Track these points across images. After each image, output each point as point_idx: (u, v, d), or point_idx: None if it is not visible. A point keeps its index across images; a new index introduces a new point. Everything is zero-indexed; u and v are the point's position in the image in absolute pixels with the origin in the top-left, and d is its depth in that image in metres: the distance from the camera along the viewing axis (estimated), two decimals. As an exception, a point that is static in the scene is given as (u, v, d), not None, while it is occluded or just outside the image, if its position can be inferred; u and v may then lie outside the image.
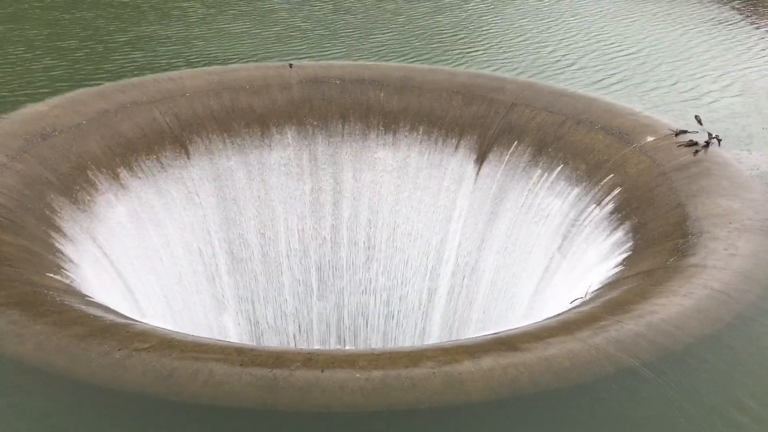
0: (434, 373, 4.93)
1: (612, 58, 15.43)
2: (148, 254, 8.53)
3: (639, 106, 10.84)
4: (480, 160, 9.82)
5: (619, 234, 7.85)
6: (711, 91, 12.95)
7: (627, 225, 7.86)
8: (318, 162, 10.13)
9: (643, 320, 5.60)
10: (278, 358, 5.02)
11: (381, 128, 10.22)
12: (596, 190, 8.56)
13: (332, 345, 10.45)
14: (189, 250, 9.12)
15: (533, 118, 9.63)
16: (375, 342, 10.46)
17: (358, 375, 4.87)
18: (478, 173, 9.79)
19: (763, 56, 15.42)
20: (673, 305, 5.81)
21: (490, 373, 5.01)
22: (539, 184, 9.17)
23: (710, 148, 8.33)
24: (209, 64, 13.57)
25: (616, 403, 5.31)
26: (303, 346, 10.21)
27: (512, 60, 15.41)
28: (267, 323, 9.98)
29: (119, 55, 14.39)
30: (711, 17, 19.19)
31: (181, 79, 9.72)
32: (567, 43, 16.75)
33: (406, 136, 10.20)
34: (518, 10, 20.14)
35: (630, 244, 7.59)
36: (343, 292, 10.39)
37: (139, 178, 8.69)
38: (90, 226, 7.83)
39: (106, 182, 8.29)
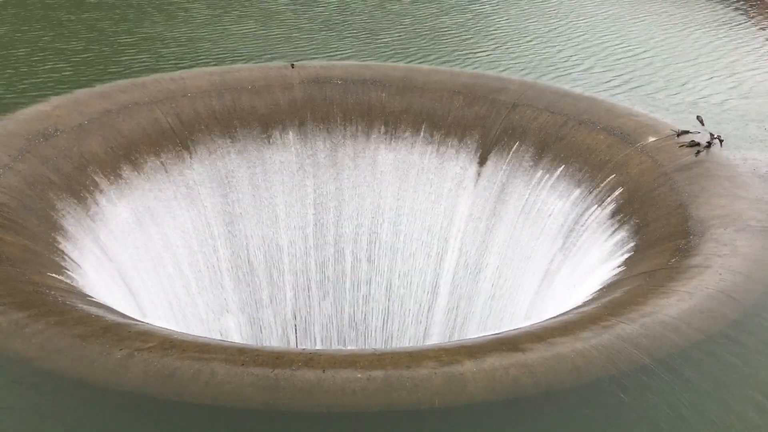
0: (436, 373, 4.93)
1: (618, 59, 15.43)
2: (149, 254, 8.54)
3: (646, 107, 10.85)
4: (482, 160, 9.82)
5: (621, 234, 7.85)
6: (717, 93, 12.93)
7: (629, 225, 7.86)
8: (319, 162, 10.13)
9: (645, 321, 5.60)
10: (280, 358, 5.02)
11: (383, 128, 10.22)
12: (598, 190, 8.55)
13: (333, 345, 10.46)
14: (190, 250, 9.12)
15: (535, 118, 9.63)
16: (376, 342, 10.46)
17: (359, 375, 4.87)
18: (479, 173, 9.79)
19: (768, 57, 15.45)
20: (675, 306, 5.81)
21: (491, 373, 5.01)
22: (541, 185, 9.16)
23: (712, 148, 8.32)
24: (217, 65, 13.52)
25: (618, 403, 5.30)
26: (304, 345, 10.21)
27: (518, 61, 15.41)
28: (268, 323, 9.99)
29: (125, 57, 14.37)
30: (715, 18, 19.18)
31: (182, 80, 9.72)
32: (573, 44, 16.76)
33: (407, 137, 10.20)
34: (524, 11, 20.14)
35: (632, 244, 7.59)
36: (344, 292, 10.39)
37: (141, 178, 8.70)
38: (92, 226, 7.84)
39: (108, 182, 8.30)
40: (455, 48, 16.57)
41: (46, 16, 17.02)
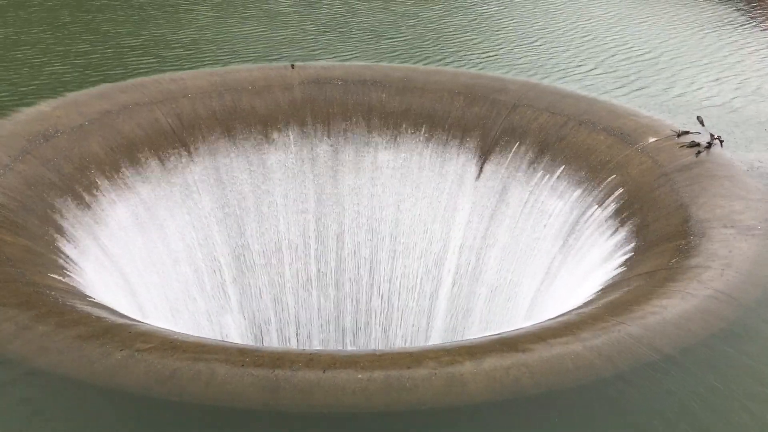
0: (436, 373, 4.93)
1: (623, 60, 15.43)
2: (150, 255, 8.54)
3: (650, 108, 10.84)
4: (482, 160, 9.82)
5: (621, 235, 7.85)
6: (718, 93, 12.94)
7: (629, 226, 7.85)
8: (320, 162, 10.13)
9: (645, 321, 5.60)
10: (280, 359, 5.03)
11: (383, 129, 10.22)
12: (598, 191, 8.55)
13: (334, 345, 10.46)
14: (191, 251, 9.13)
15: (535, 118, 9.63)
16: (377, 342, 10.46)
17: (359, 375, 4.87)
18: (480, 174, 9.79)
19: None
20: (676, 306, 5.81)
21: (492, 373, 5.01)
22: (541, 185, 9.16)
23: (712, 149, 8.31)
24: (223, 66, 13.50)
25: (618, 404, 5.30)
26: (304, 346, 10.21)
27: (522, 61, 15.41)
28: (268, 323, 9.99)
29: (129, 59, 14.37)
30: (719, 18, 19.19)
31: (182, 80, 9.72)
32: (578, 45, 16.76)
33: (408, 137, 10.20)
34: (529, 12, 20.14)
35: (632, 245, 7.59)
36: (344, 292, 10.39)
37: (142, 178, 8.70)
38: (92, 227, 7.84)
39: (108, 183, 8.30)
40: (459, 49, 16.58)
41: (49, 18, 17.02)
